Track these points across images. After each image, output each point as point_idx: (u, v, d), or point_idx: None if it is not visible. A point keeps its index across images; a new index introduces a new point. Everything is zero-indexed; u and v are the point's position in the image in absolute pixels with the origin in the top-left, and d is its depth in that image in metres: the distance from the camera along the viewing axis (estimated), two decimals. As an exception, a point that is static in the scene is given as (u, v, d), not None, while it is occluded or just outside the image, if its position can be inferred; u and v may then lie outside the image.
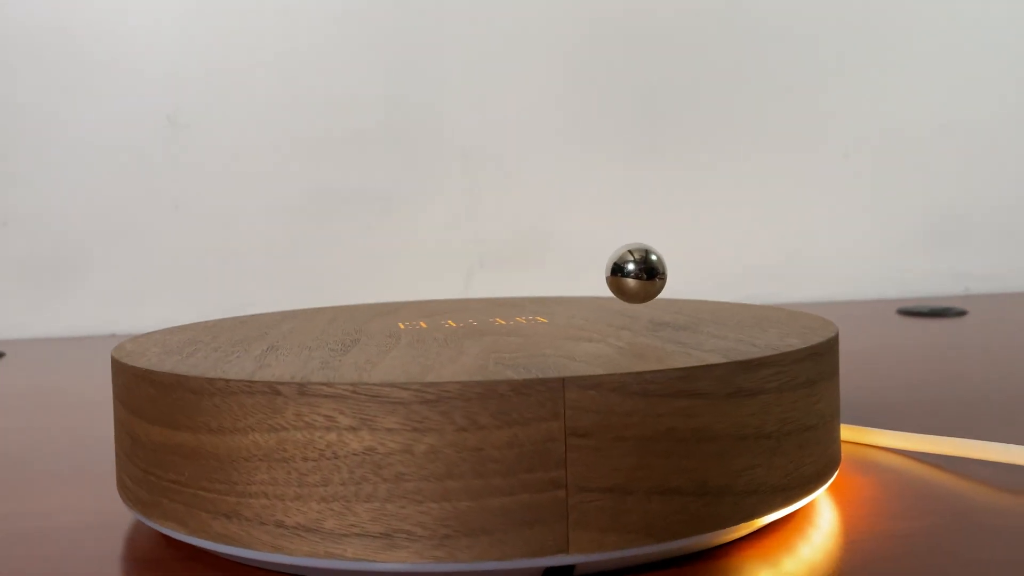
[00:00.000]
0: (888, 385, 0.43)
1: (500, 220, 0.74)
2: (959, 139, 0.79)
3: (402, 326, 0.30)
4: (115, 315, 0.70)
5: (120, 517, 0.26)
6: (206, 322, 0.33)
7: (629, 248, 0.27)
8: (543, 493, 0.19)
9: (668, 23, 0.76)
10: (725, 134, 0.76)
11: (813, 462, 0.23)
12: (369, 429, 0.19)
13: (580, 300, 0.38)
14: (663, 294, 0.73)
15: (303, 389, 0.20)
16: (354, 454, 0.20)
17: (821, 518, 0.24)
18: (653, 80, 0.76)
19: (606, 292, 0.74)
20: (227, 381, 0.21)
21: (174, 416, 0.22)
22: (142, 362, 0.24)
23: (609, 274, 0.27)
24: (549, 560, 0.20)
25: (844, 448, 0.30)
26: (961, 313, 0.66)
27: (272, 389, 0.20)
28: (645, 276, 0.26)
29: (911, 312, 0.66)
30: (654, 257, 0.27)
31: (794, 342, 0.24)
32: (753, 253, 0.76)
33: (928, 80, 0.78)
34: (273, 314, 0.35)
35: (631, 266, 0.27)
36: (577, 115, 0.75)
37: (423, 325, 0.30)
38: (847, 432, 0.31)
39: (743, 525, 0.21)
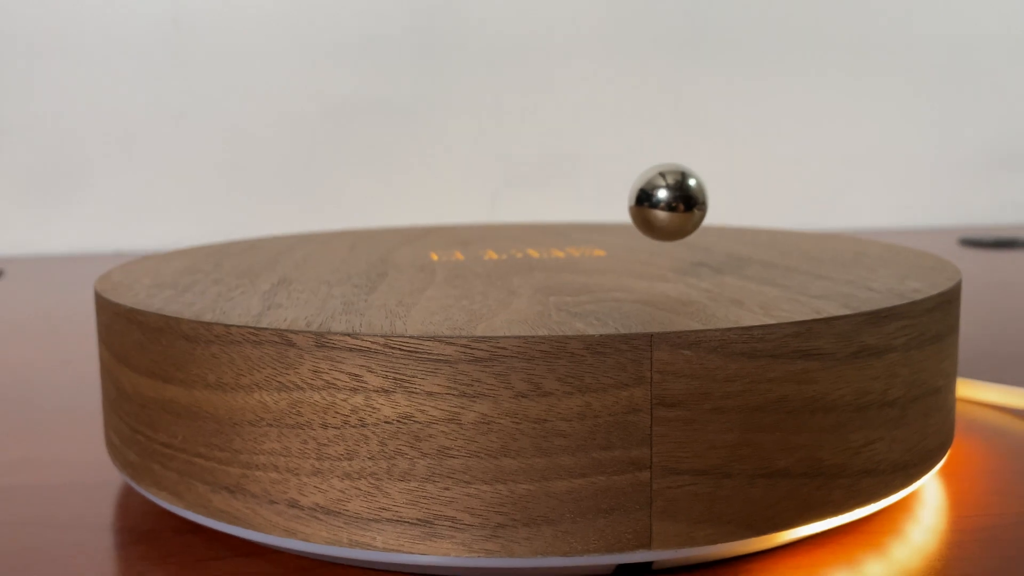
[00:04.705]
0: (971, 327, 0.38)
1: (529, 137, 0.69)
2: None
3: (435, 257, 0.26)
4: (118, 232, 0.66)
5: (107, 475, 0.23)
6: (209, 246, 0.29)
7: (660, 170, 0.21)
8: (622, 475, 0.16)
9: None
10: (778, 46, 0.70)
11: (937, 432, 0.19)
12: (405, 392, 0.15)
13: (632, 229, 0.33)
14: (723, 223, 0.68)
15: (322, 340, 0.16)
16: (386, 422, 0.16)
17: (929, 496, 0.20)
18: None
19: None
20: (227, 327, 0.17)
21: (164, 366, 0.18)
22: (127, 298, 0.20)
23: (634, 203, 0.21)
24: (627, 556, 0.16)
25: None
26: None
27: (283, 339, 0.16)
28: (681, 206, 0.20)
29: (974, 242, 0.61)
30: (692, 182, 0.20)
31: (917, 286, 0.20)
32: (805, 176, 0.71)
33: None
34: (286, 237, 0.31)
35: (663, 193, 0.20)
36: (616, 22, 0.69)
37: (459, 256, 0.26)
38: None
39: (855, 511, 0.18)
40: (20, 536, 0.19)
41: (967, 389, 0.27)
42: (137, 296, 0.20)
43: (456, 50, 0.68)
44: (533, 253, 0.26)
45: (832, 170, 0.72)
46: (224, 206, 0.67)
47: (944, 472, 0.22)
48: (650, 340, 0.15)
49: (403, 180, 0.68)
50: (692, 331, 0.15)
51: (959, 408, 0.26)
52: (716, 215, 0.70)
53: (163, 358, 0.18)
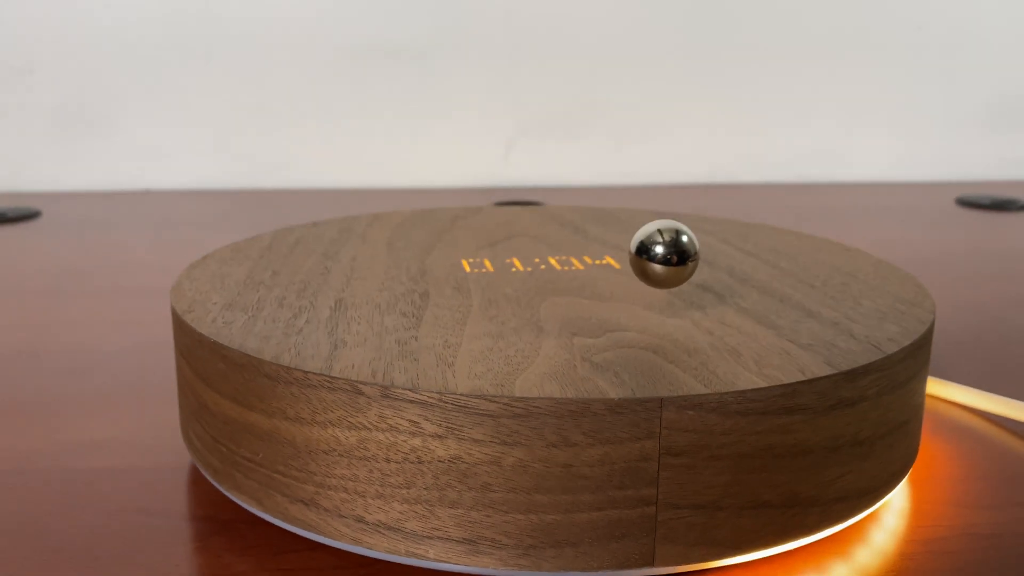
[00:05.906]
0: (954, 305, 0.41)
1: (545, 86, 0.70)
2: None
3: (467, 267, 0.29)
4: (147, 170, 0.68)
5: (181, 458, 0.26)
6: (260, 237, 0.32)
7: (658, 227, 0.23)
8: (632, 509, 0.19)
9: None
10: (788, 3, 0.71)
11: (901, 456, 0.23)
12: (456, 438, 0.19)
13: (643, 215, 0.36)
14: (736, 173, 0.70)
15: (387, 392, 0.19)
16: (439, 461, 0.19)
17: (894, 503, 0.24)
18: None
19: (651, 181, 0.71)
20: (305, 373, 0.20)
21: (247, 396, 0.21)
22: (206, 325, 0.23)
23: (633, 253, 0.23)
24: (634, 572, 0.19)
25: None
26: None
27: (354, 388, 0.19)
28: (675, 260, 0.23)
29: (971, 203, 0.64)
30: (685, 238, 0.23)
31: (893, 332, 0.23)
32: (812, 129, 0.73)
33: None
34: (327, 225, 0.34)
35: (659, 249, 0.23)
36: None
37: (488, 267, 0.29)
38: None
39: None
40: (114, 522, 0.23)
41: (938, 388, 0.30)
42: (215, 323, 0.23)
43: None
44: (555, 264, 0.29)
45: (838, 124, 0.73)
46: (248, 145, 0.69)
47: (912, 478, 0.25)
48: (660, 403, 0.18)
49: (420, 126, 0.70)
50: (696, 395, 0.19)
51: (930, 405, 0.30)
52: (728, 167, 0.72)
53: (246, 389, 0.21)
